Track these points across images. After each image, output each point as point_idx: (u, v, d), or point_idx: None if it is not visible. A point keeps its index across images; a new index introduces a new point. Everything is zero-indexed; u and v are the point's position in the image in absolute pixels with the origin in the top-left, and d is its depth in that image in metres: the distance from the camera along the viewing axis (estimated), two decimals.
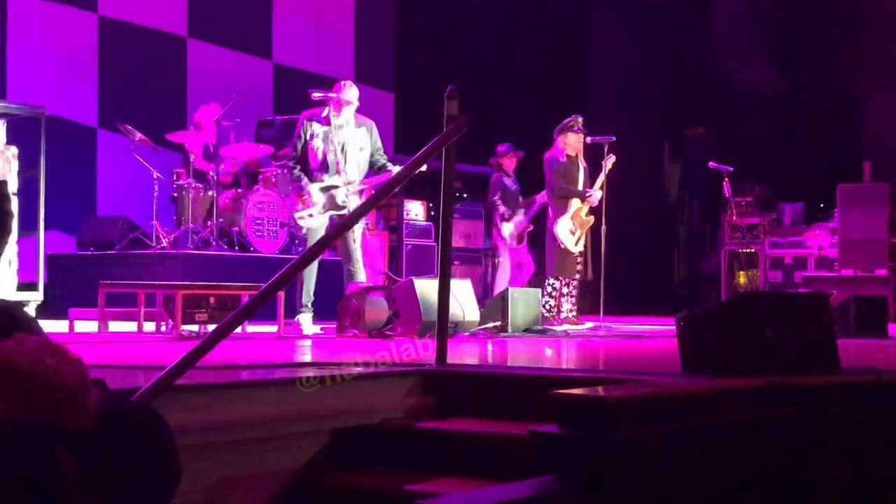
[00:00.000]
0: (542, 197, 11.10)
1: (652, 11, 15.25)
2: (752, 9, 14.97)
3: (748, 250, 13.14)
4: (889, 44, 13.64)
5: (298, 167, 8.15)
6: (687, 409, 3.49)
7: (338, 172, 8.05)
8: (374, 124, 8.32)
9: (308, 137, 8.09)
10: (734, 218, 11.34)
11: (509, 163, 11.15)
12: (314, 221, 8.03)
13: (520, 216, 11.04)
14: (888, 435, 3.90)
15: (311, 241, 8.00)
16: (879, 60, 13.71)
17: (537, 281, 11.08)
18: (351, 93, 8.09)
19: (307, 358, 5.57)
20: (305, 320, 7.98)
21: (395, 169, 7.94)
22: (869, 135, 13.92)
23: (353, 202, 7.92)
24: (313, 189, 8.02)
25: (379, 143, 8.32)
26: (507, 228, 11.05)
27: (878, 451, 3.87)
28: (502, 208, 11.04)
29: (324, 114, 8.10)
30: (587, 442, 3.09)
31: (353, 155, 8.11)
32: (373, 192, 7.89)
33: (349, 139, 8.11)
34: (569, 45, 15.96)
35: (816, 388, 3.84)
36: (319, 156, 8.06)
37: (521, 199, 11.10)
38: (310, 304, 8.05)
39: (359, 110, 8.25)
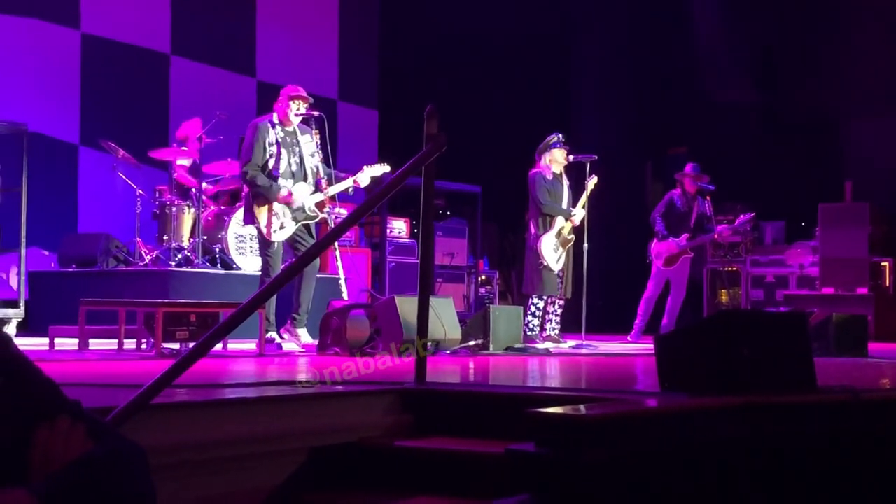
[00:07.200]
0: (723, 230, 11.16)
1: (633, 31, 15.32)
2: (733, 28, 15.06)
3: (730, 269, 13.19)
4: (871, 63, 13.73)
5: (261, 175, 7.97)
6: (663, 428, 3.49)
7: (304, 179, 8.05)
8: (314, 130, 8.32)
9: (266, 144, 7.98)
10: (716, 236, 11.37)
11: (690, 184, 11.05)
12: (285, 234, 8.01)
13: (680, 239, 10.90)
14: (865, 454, 3.91)
15: (278, 257, 7.98)
16: (861, 80, 13.79)
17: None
18: (301, 103, 8.03)
19: (285, 376, 5.55)
20: (275, 336, 7.97)
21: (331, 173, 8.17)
22: (850, 154, 14.00)
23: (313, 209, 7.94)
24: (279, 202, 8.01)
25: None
26: (657, 246, 11.00)
27: (855, 470, 3.88)
28: (658, 226, 11.01)
29: (274, 119, 8.05)
30: (562, 461, 3.09)
31: (308, 161, 8.12)
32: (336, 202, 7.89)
33: (303, 145, 8.11)
34: (551, 64, 16.03)
35: (792, 407, 3.85)
36: (283, 162, 8.01)
37: (691, 223, 10.95)
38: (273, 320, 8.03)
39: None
